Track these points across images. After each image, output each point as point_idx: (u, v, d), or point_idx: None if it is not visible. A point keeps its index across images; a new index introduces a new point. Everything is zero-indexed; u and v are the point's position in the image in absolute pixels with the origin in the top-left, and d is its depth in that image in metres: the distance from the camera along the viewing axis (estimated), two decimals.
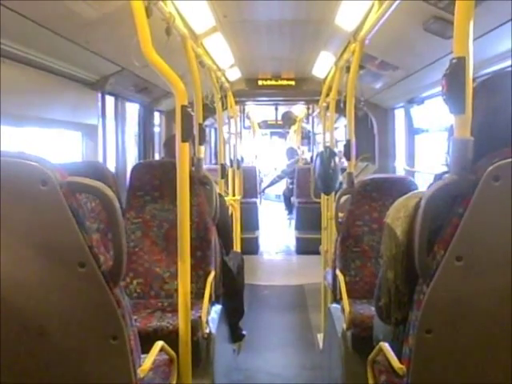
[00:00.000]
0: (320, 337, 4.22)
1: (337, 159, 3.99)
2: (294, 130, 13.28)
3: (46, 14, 2.50)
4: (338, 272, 3.09)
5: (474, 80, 1.32)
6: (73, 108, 3.79)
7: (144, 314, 2.66)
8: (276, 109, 10.25)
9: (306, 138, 12.90)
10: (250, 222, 7.68)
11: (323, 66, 5.68)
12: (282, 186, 10.80)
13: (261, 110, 11.65)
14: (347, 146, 3.29)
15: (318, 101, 5.91)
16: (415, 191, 1.57)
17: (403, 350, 1.48)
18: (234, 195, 5.86)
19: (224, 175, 4.74)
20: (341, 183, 4.14)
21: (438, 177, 1.45)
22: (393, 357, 1.57)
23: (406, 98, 5.37)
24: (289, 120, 11.42)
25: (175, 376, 1.92)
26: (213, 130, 11.30)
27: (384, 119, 6.42)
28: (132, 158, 5.55)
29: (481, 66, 3.05)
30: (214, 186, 3.23)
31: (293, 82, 6.77)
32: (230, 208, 5.01)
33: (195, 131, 2.90)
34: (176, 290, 2.44)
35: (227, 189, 5.85)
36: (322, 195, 5.01)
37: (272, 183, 11.33)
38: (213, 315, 2.89)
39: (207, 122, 8.64)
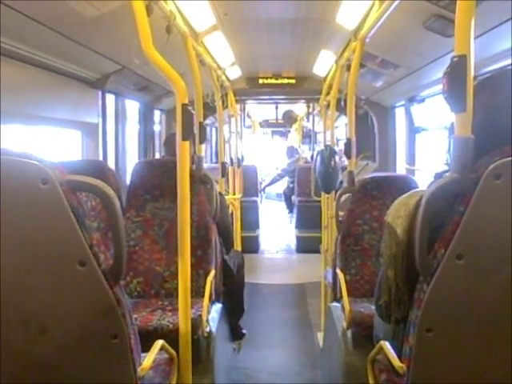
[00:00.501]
0: (320, 335, 4.22)
1: (337, 158, 3.99)
2: (295, 129, 13.28)
3: (46, 13, 2.50)
4: (338, 271, 3.09)
5: (474, 78, 1.32)
6: (73, 106, 3.79)
7: (144, 312, 2.66)
8: (276, 107, 10.24)
9: (307, 136, 12.90)
10: (250, 220, 7.68)
11: (324, 64, 5.67)
12: (283, 185, 10.80)
13: (261, 109, 11.65)
14: (348, 145, 3.29)
15: (318, 99, 5.91)
16: (416, 190, 1.57)
17: (403, 348, 1.48)
18: (234, 194, 5.86)
19: (224, 174, 4.74)
20: (341, 182, 4.14)
21: (438, 175, 1.45)
22: (393, 356, 1.57)
23: (407, 97, 5.37)
24: (289, 119, 11.42)
25: (175, 375, 1.93)
26: (213, 129, 11.30)
27: (384, 118, 6.41)
28: (133, 157, 5.56)
29: (482, 64, 3.05)
30: (215, 184, 3.23)
31: (293, 81, 6.76)
32: (231, 207, 5.01)
33: (196, 130, 2.90)
34: (176, 289, 2.43)
35: (228, 187, 5.85)
36: (323, 194, 5.00)
37: (272, 182, 11.33)
38: (213, 314, 2.89)
39: (208, 121, 8.64)
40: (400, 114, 6.10)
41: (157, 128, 6.30)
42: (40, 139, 3.75)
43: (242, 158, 7.35)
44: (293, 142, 13.42)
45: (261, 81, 6.76)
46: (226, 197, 4.04)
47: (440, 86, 1.33)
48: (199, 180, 3.07)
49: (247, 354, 4.08)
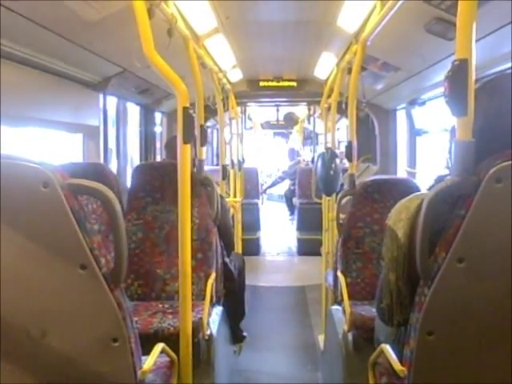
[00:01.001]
0: (321, 338, 4.22)
1: (338, 161, 3.99)
2: (296, 131, 13.28)
3: (48, 16, 2.50)
4: (339, 273, 3.09)
5: (476, 82, 1.32)
6: (75, 109, 3.79)
7: (145, 315, 2.66)
8: (277, 110, 10.25)
9: (309, 138, 12.91)
10: (251, 223, 7.68)
11: (325, 67, 5.67)
12: (284, 187, 10.81)
13: (263, 111, 11.65)
14: (349, 148, 3.29)
15: (319, 102, 5.91)
16: (417, 193, 1.57)
17: (404, 351, 1.48)
18: (235, 196, 5.86)
19: (225, 176, 4.73)
20: (342, 184, 4.14)
21: (439, 179, 1.45)
22: (394, 359, 1.57)
23: (408, 100, 5.37)
24: (290, 121, 11.42)
25: (176, 378, 1.92)
26: (215, 131, 11.31)
27: (385, 120, 6.41)
28: (135, 160, 5.56)
29: (483, 67, 3.05)
30: (216, 187, 3.23)
31: (294, 84, 6.76)
32: (232, 209, 5.01)
33: (197, 132, 2.90)
34: (177, 292, 2.43)
35: (229, 190, 5.85)
36: (324, 196, 5.00)
37: (273, 184, 11.35)
38: (214, 317, 2.88)
39: (209, 124, 8.65)
40: (401, 116, 6.10)
41: (158, 130, 6.30)
42: (40, 142, 3.75)
43: (243, 160, 7.35)
44: (294, 143, 13.44)
45: (262, 83, 6.75)
46: (226, 199, 4.03)
47: (441, 89, 1.33)
48: (200, 183, 3.07)
49: (248, 356, 4.08)
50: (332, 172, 4.01)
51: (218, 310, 3.02)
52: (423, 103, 5.14)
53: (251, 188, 8.20)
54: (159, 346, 1.77)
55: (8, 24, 2.32)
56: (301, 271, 7.22)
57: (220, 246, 3.20)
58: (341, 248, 3.14)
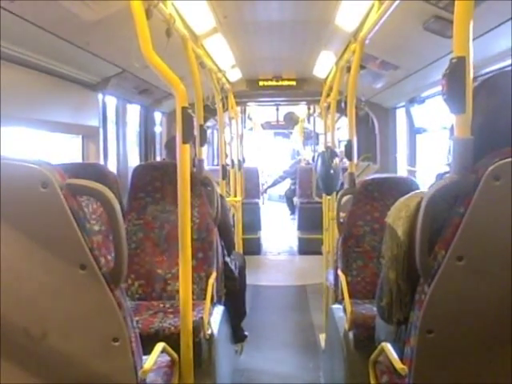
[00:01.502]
0: (322, 337, 4.22)
1: (337, 160, 3.99)
2: (297, 130, 13.28)
3: (46, 17, 2.50)
4: (339, 272, 3.09)
5: (474, 79, 1.32)
6: (74, 110, 3.80)
7: (146, 315, 2.66)
8: (277, 109, 10.24)
9: (309, 138, 12.93)
10: (252, 222, 7.68)
11: (324, 66, 5.67)
12: (285, 187, 10.82)
13: (263, 111, 11.65)
14: (348, 146, 3.29)
15: (319, 101, 5.91)
16: (417, 191, 1.57)
17: (405, 350, 1.48)
18: (235, 196, 5.86)
19: (225, 176, 4.74)
20: (342, 183, 4.14)
21: (439, 177, 1.45)
22: (395, 357, 1.57)
23: (407, 98, 5.37)
24: (291, 121, 11.43)
25: (177, 377, 1.93)
26: (215, 131, 11.31)
27: (385, 119, 6.41)
28: (135, 160, 5.56)
29: (481, 66, 3.05)
30: (216, 187, 3.23)
31: (294, 83, 6.76)
32: (232, 209, 5.01)
33: (196, 132, 2.90)
34: (178, 292, 2.44)
35: (229, 190, 5.85)
36: (324, 196, 5.00)
37: (274, 184, 11.35)
38: (215, 316, 2.89)
39: (209, 124, 8.65)
40: (400, 115, 6.10)
41: (158, 129, 6.30)
42: (42, 142, 3.76)
43: (244, 159, 7.35)
44: (295, 143, 13.45)
45: (261, 83, 6.76)
46: (227, 199, 4.04)
47: (440, 87, 1.33)
48: (200, 182, 3.07)
49: (249, 356, 4.08)
50: (332, 171, 4.02)
51: (218, 310, 3.02)
52: (423, 101, 5.13)
53: (252, 188, 8.21)
54: (160, 346, 1.78)
55: (6, 25, 2.32)
56: (302, 270, 7.23)
57: (220, 246, 3.21)
58: (341, 247, 3.15)
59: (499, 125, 1.36)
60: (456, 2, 1.30)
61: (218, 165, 6.97)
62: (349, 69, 3.28)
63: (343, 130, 8.97)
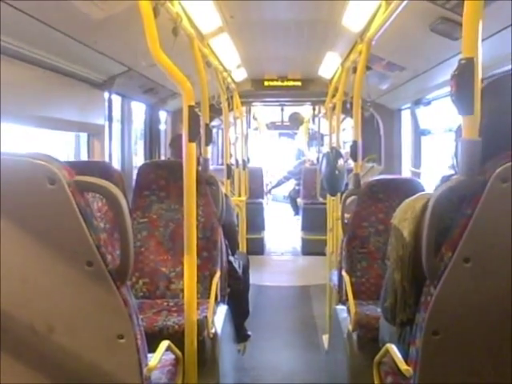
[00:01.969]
0: (325, 338, 4.21)
1: (341, 161, 3.98)
2: (302, 131, 13.27)
3: (53, 15, 2.51)
4: (343, 273, 3.09)
5: (482, 81, 1.32)
6: (80, 108, 3.81)
7: (150, 313, 2.66)
8: (282, 110, 10.24)
9: (314, 138, 12.93)
10: (256, 222, 7.68)
11: (330, 66, 5.67)
12: (290, 187, 10.81)
13: (268, 111, 11.65)
14: (354, 147, 3.29)
15: (324, 102, 5.90)
16: (422, 192, 1.57)
17: (410, 351, 1.48)
18: (239, 196, 5.86)
19: (230, 175, 4.74)
20: (347, 184, 4.13)
21: (445, 178, 1.45)
22: (399, 358, 1.57)
23: (413, 99, 5.36)
24: (296, 121, 11.42)
25: (181, 375, 1.93)
26: (220, 131, 11.32)
27: (390, 120, 6.40)
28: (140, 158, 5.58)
29: (490, 67, 3.04)
30: (220, 186, 3.23)
31: (299, 83, 6.76)
32: (236, 208, 5.01)
33: (202, 131, 2.90)
34: (182, 290, 2.44)
35: (233, 189, 5.86)
36: (328, 196, 5.00)
37: (278, 184, 11.34)
38: (218, 315, 2.89)
39: (215, 123, 8.65)
40: (406, 116, 6.09)
41: (162, 127, 6.31)
42: (48, 140, 3.77)
43: (248, 159, 7.35)
44: (299, 144, 13.44)
45: (266, 83, 6.75)
46: (231, 198, 4.04)
47: (446, 89, 1.33)
48: (205, 181, 3.07)
49: (252, 355, 4.08)
50: (337, 172, 4.01)
51: (222, 309, 3.02)
52: (428, 103, 5.12)
53: (256, 187, 8.20)
54: (165, 344, 1.78)
55: (13, 22, 2.33)
56: (305, 271, 7.22)
57: (225, 245, 3.21)
58: (346, 248, 3.14)
59: (507, 126, 1.36)
60: (465, 3, 1.29)
61: (222, 164, 6.98)
62: (355, 69, 3.27)
63: (348, 132, 8.96)
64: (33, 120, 3.16)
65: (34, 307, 1.36)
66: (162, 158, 6.10)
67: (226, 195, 3.36)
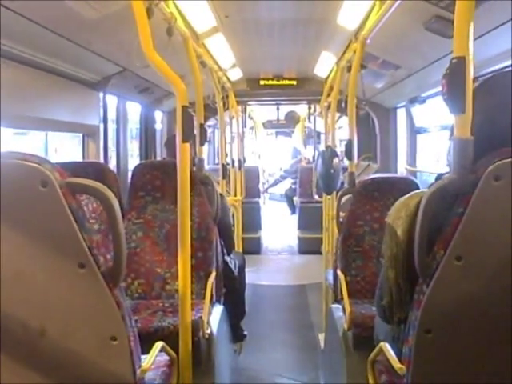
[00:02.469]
0: (321, 337, 4.22)
1: (336, 160, 3.98)
2: (298, 129, 13.28)
3: (47, 15, 2.50)
4: (339, 272, 3.09)
5: (474, 80, 1.32)
6: (75, 109, 3.80)
7: (145, 314, 2.66)
8: (278, 109, 10.24)
9: (310, 137, 12.93)
10: (252, 222, 7.69)
11: (325, 65, 5.68)
12: (287, 186, 10.82)
13: (263, 110, 11.66)
14: (348, 146, 3.29)
15: (319, 100, 5.91)
16: (417, 191, 1.57)
17: (403, 349, 1.48)
18: (235, 195, 5.86)
19: (225, 175, 4.73)
20: (342, 183, 4.13)
21: (439, 177, 1.45)
22: (393, 357, 1.57)
23: (408, 98, 5.37)
24: (292, 119, 11.43)
25: (176, 376, 1.93)
26: (216, 131, 11.32)
27: (385, 118, 6.41)
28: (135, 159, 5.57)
29: (481, 66, 3.05)
30: (216, 186, 3.23)
31: (294, 82, 6.77)
32: (232, 208, 5.01)
33: (196, 131, 2.90)
34: (177, 291, 2.43)
35: (229, 189, 5.85)
36: (324, 195, 5.00)
37: (275, 183, 11.35)
38: (214, 316, 2.88)
39: (210, 123, 8.65)
40: (401, 114, 6.10)
41: (158, 126, 6.30)
42: (43, 141, 3.76)
43: (244, 159, 7.35)
44: (296, 142, 13.44)
45: (262, 82, 6.76)
46: (227, 198, 4.04)
47: (441, 87, 1.33)
48: (200, 181, 3.07)
49: (248, 355, 4.08)
50: (332, 170, 4.01)
51: (218, 309, 3.02)
52: (423, 101, 5.13)
53: (252, 187, 8.20)
54: (159, 345, 1.77)
55: (7, 23, 2.32)
56: (301, 270, 7.23)
57: (220, 245, 3.20)
58: (341, 246, 3.14)
59: (499, 125, 1.36)
60: (457, 2, 1.29)
61: (218, 164, 6.98)
62: (349, 68, 3.28)
63: (344, 130, 8.97)
64: (26, 121, 3.16)
65: (26, 309, 1.36)
66: (158, 158, 6.09)
67: (221, 195, 3.36)
